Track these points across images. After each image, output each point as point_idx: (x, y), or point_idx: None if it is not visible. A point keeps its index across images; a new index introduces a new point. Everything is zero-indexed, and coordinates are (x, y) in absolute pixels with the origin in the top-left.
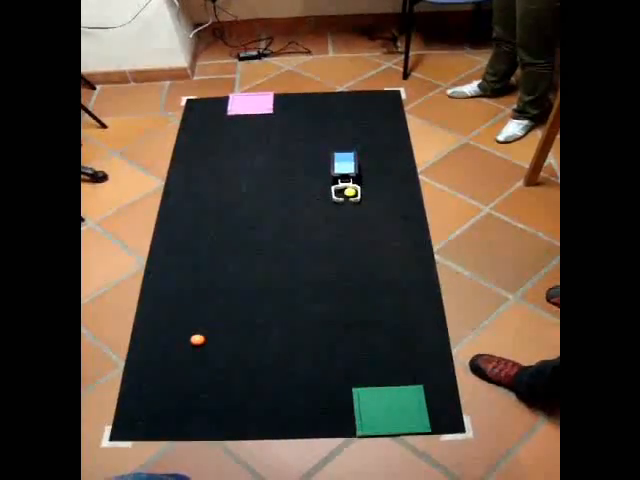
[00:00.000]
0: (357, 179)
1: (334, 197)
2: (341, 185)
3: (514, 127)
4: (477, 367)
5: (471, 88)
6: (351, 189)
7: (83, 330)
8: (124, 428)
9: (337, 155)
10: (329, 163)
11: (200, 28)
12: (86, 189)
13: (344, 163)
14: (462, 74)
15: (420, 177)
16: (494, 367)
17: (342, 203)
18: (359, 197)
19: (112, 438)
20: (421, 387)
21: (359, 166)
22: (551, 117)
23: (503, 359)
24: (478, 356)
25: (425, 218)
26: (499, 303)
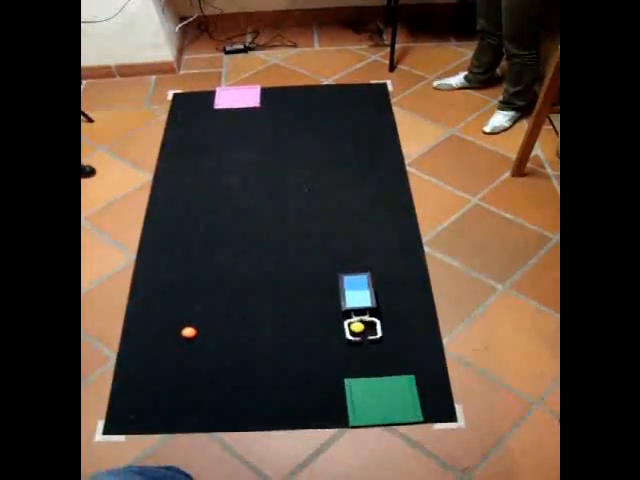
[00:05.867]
0: (375, 310)
1: (349, 336)
2: (355, 319)
3: (500, 118)
4: None
5: (457, 80)
6: (359, 324)
7: None
8: (117, 422)
9: (347, 280)
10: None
11: (185, 22)
12: None
13: (357, 293)
14: (448, 66)
15: (408, 169)
16: None
17: (360, 343)
18: (379, 333)
19: (105, 432)
20: (412, 377)
21: (376, 294)
22: (537, 108)
23: None
24: None
25: (413, 210)
26: (488, 293)
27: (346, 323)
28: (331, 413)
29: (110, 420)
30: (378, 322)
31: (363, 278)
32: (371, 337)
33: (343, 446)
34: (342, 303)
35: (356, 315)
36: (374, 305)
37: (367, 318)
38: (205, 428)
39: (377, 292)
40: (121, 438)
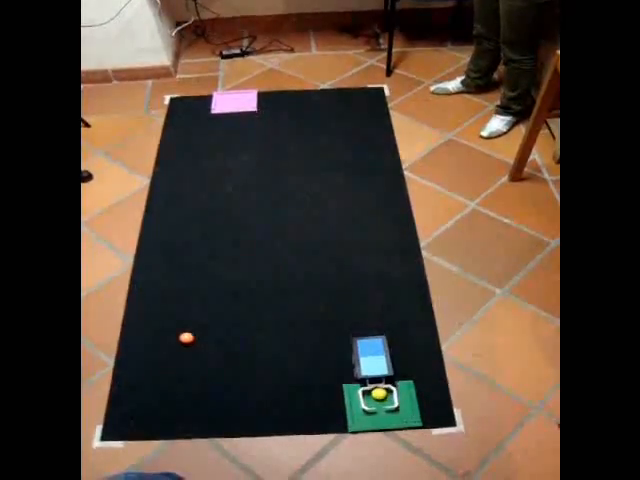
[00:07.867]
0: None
1: (364, 406)
2: (370, 387)
3: (498, 123)
4: None
5: (454, 84)
6: (381, 390)
7: None
8: (115, 428)
9: (361, 344)
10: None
11: (182, 26)
12: None
13: (373, 359)
14: (445, 71)
15: (405, 173)
16: None
17: (375, 412)
18: (396, 403)
19: (103, 438)
20: (411, 382)
21: (392, 358)
22: (534, 113)
23: None
24: None
25: (411, 214)
26: (487, 298)
27: (360, 392)
28: (330, 418)
29: (108, 426)
30: (395, 390)
31: (378, 342)
32: (387, 407)
33: (342, 451)
34: (357, 370)
35: (371, 383)
36: (391, 373)
37: (383, 385)
38: (204, 434)
39: (392, 354)
40: (119, 444)
